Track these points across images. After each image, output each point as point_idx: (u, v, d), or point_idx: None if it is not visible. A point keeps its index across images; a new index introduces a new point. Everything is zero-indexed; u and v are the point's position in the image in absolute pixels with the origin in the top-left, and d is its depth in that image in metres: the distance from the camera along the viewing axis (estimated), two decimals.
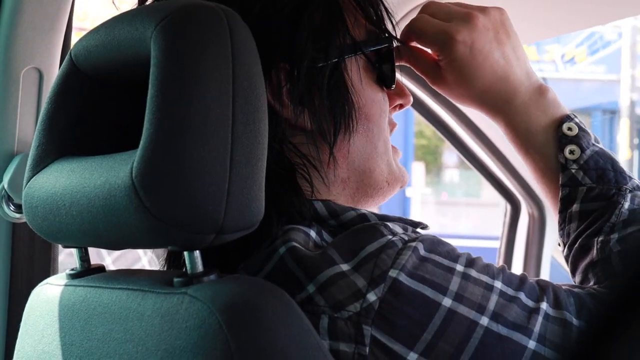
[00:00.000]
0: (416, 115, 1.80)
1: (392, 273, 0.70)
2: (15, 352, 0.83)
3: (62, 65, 0.78)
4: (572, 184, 0.86)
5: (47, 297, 0.80)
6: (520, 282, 0.75)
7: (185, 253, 0.67)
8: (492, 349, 0.70)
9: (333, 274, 0.70)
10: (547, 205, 1.89)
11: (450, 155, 12.16)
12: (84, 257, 0.80)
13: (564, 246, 0.88)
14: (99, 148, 0.75)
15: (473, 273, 0.73)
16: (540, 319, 0.73)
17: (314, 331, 0.65)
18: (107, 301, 0.72)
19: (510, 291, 0.73)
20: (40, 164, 0.76)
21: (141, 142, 0.64)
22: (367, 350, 0.69)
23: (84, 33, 0.77)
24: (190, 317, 0.63)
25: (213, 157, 0.64)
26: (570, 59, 11.02)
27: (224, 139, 0.64)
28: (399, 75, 0.88)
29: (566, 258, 0.88)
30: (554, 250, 1.96)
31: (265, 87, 0.70)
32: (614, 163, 0.86)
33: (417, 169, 10.95)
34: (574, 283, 0.85)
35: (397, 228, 0.74)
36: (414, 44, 0.91)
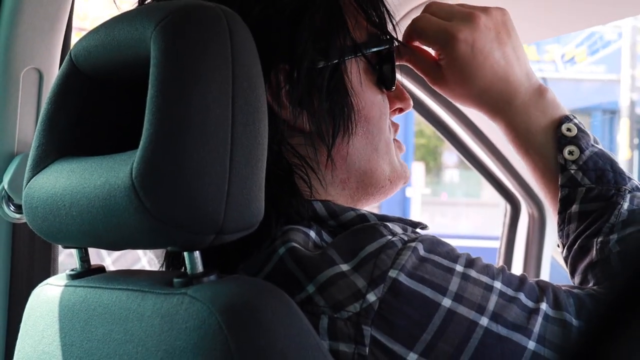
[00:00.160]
0: (416, 115, 1.80)
1: (392, 273, 0.70)
2: (16, 352, 0.83)
3: (62, 65, 0.78)
4: (571, 184, 0.85)
5: (47, 297, 0.80)
6: (520, 283, 0.75)
7: (185, 253, 0.67)
8: (491, 350, 0.70)
9: (333, 274, 0.70)
10: (547, 205, 1.89)
11: (450, 155, 12.15)
12: (84, 258, 0.80)
13: (563, 247, 0.87)
14: (98, 148, 0.75)
15: (473, 273, 0.73)
16: (539, 319, 0.73)
17: (313, 332, 0.65)
18: (107, 302, 0.72)
19: (509, 292, 0.73)
20: (40, 165, 0.76)
21: (141, 143, 0.64)
22: (367, 351, 0.69)
23: (84, 33, 0.77)
24: (190, 317, 0.63)
25: (213, 157, 0.64)
26: (570, 58, 11.03)
27: (223, 139, 0.64)
28: (399, 78, 0.88)
29: (565, 259, 0.88)
30: (553, 250, 1.96)
31: (265, 88, 0.70)
32: (613, 164, 0.86)
33: (417, 169, 10.94)
34: (573, 284, 0.85)
35: (397, 228, 0.74)
36: (415, 43, 0.91)
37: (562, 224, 0.87)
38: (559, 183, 0.86)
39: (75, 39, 0.95)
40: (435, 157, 12.97)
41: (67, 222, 0.71)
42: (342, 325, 0.69)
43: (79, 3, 1.13)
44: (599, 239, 0.82)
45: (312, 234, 0.76)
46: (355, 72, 0.82)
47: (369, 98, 0.83)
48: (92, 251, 0.82)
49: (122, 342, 0.69)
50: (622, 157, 9.00)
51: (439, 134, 1.83)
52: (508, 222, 2.01)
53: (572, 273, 0.86)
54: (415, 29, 0.88)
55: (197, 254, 0.67)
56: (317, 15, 0.79)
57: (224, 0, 0.73)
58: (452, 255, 0.74)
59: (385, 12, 0.85)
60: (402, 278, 0.70)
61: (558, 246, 0.90)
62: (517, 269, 1.97)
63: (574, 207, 0.85)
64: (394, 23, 0.86)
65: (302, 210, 0.77)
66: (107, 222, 0.67)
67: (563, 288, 0.78)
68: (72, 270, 0.80)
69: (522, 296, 0.73)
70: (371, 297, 0.69)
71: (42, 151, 0.76)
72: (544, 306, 0.74)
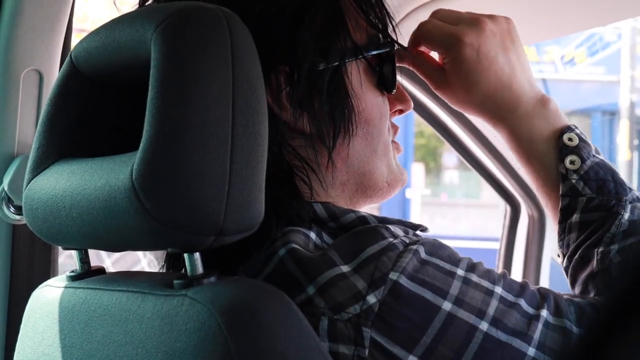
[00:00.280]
0: (416, 116, 1.80)
1: (393, 276, 0.70)
2: (15, 354, 0.83)
3: (62, 67, 0.78)
4: (572, 194, 0.85)
5: (47, 299, 0.80)
6: (520, 289, 0.75)
7: (185, 255, 0.67)
8: (491, 355, 0.70)
9: (333, 276, 0.70)
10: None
11: (449, 156, 12.15)
12: (84, 259, 0.80)
13: (564, 257, 0.87)
14: (99, 150, 0.75)
15: (474, 278, 0.73)
16: (540, 326, 0.73)
17: (313, 333, 0.65)
18: (107, 303, 0.72)
19: (510, 297, 0.73)
20: (41, 166, 0.76)
21: (141, 144, 0.64)
22: (367, 353, 0.69)
23: (84, 35, 0.77)
24: (190, 319, 0.63)
25: (213, 158, 0.64)
26: (569, 60, 11.02)
27: (223, 140, 0.64)
28: (400, 79, 0.88)
29: (566, 269, 0.87)
30: (553, 251, 1.96)
31: (265, 90, 0.70)
32: (614, 174, 0.86)
33: (417, 170, 10.94)
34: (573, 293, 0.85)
35: (398, 231, 0.74)
36: (421, 48, 0.91)
37: (563, 233, 0.87)
38: (560, 192, 0.86)
39: (75, 40, 0.95)
40: (435, 158, 12.97)
41: (67, 224, 0.71)
42: (342, 327, 0.69)
43: (79, 4, 1.13)
44: (600, 249, 0.82)
45: (313, 235, 0.76)
46: (356, 74, 0.82)
47: (369, 100, 0.83)
48: (92, 252, 0.82)
49: (122, 343, 0.69)
50: (622, 158, 8.99)
51: (439, 135, 1.83)
52: (508, 223, 2.01)
53: (573, 283, 0.86)
54: (422, 33, 0.89)
55: (197, 255, 0.67)
56: (317, 16, 0.79)
57: (224, 1, 0.73)
58: (453, 258, 0.74)
59: (385, 13, 0.85)
60: (403, 280, 0.70)
61: (558, 256, 0.90)
62: (516, 270, 1.97)
63: (575, 217, 0.85)
64: (394, 25, 0.86)
65: (302, 212, 0.77)
66: (107, 223, 0.67)
67: (564, 296, 0.77)
68: (72, 271, 0.80)
69: (522, 302, 0.73)
70: (371, 299, 0.69)
71: (43, 152, 0.76)
72: (544, 313, 0.73)
